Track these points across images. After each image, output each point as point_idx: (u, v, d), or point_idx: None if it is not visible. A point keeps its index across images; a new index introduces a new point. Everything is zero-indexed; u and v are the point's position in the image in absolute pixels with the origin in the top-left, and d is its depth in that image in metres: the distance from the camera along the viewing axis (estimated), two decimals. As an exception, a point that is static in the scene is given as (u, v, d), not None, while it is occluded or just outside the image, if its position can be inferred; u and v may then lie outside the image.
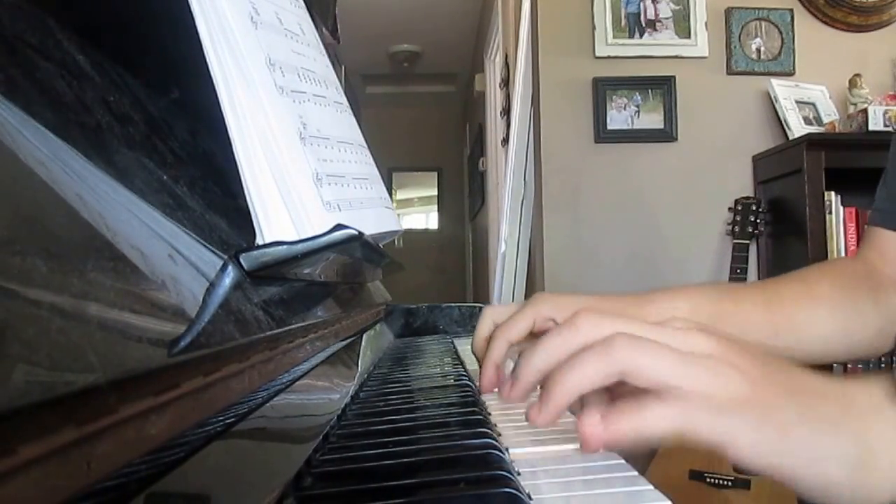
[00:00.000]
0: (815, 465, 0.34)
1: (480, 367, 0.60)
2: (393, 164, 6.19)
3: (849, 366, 1.71)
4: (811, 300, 0.66)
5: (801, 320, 0.65)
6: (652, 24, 2.10)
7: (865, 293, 0.68)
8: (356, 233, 0.38)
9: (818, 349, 0.66)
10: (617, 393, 0.38)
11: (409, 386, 0.61)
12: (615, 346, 0.35)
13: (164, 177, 0.34)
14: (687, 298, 0.62)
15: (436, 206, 6.83)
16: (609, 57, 2.09)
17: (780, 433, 0.34)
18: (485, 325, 0.61)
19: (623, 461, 0.40)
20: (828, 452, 0.35)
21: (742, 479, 1.69)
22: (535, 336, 0.56)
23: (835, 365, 1.64)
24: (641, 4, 2.10)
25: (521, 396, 0.40)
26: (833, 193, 1.82)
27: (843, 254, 1.83)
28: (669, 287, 0.65)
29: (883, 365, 1.68)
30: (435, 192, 6.82)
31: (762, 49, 2.11)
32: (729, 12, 2.11)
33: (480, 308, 1.11)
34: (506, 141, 3.05)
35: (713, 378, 0.35)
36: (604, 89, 2.08)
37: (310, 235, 0.38)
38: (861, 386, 0.38)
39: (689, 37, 2.10)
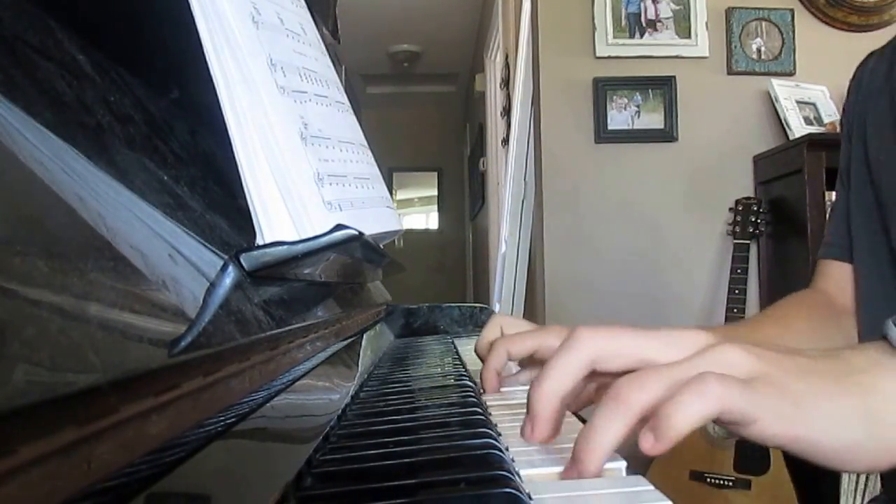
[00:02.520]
0: (832, 429, 0.36)
1: (479, 354, 0.61)
2: (393, 164, 6.19)
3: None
4: (791, 342, 0.69)
5: None
6: (652, 24, 2.10)
7: (833, 322, 0.73)
8: (356, 233, 0.38)
9: None
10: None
11: (409, 386, 0.61)
12: (633, 385, 0.36)
13: (165, 177, 0.34)
14: None
15: (436, 207, 6.82)
16: (609, 57, 2.09)
17: (796, 404, 0.35)
18: (492, 331, 0.62)
19: (624, 461, 0.40)
20: (841, 414, 0.36)
21: (742, 479, 1.69)
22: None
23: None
24: (642, 4, 2.10)
25: (546, 432, 0.40)
26: (834, 194, 1.82)
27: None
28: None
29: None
30: (435, 192, 6.81)
31: (763, 49, 2.11)
32: (729, 12, 2.10)
33: (481, 308, 1.11)
34: (506, 141, 3.05)
35: (726, 363, 0.36)
36: (604, 89, 2.08)
37: (310, 235, 0.38)
38: (855, 350, 0.40)
39: (689, 37, 2.10)
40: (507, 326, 0.62)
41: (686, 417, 0.34)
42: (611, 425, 0.35)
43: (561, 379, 0.39)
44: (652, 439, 0.34)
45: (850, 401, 0.36)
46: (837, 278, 0.78)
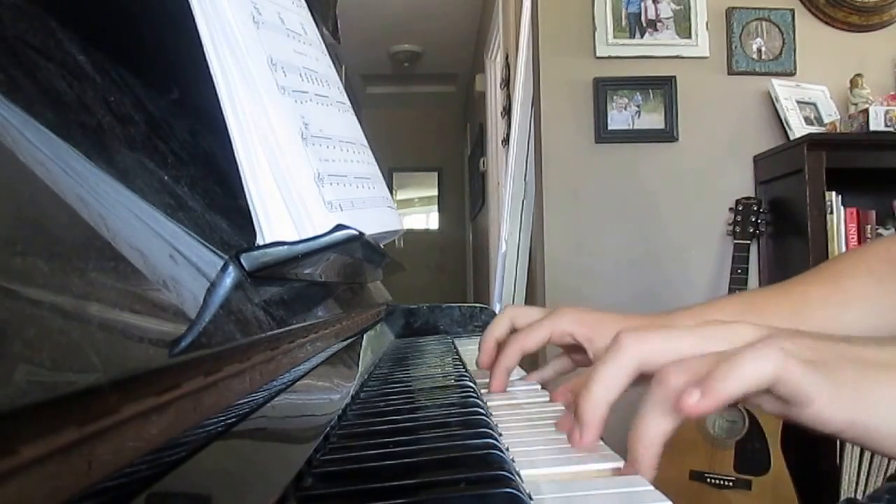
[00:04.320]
0: (890, 416, 0.35)
1: (480, 354, 0.60)
2: (393, 164, 6.19)
3: None
4: (842, 302, 0.65)
5: (831, 326, 0.64)
6: (653, 24, 2.10)
7: None
8: (357, 233, 0.38)
9: None
10: None
11: (409, 386, 0.61)
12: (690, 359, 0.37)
13: (165, 177, 0.34)
14: (712, 314, 0.62)
15: (436, 207, 6.82)
16: (610, 57, 2.09)
17: (855, 389, 0.35)
18: (502, 326, 0.61)
19: (624, 461, 0.40)
20: None
21: (743, 479, 1.68)
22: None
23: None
24: (642, 4, 2.10)
25: (595, 438, 0.40)
26: (834, 194, 1.82)
27: (843, 254, 1.83)
28: (691, 305, 0.66)
29: None
30: (435, 192, 6.81)
31: (763, 49, 2.11)
32: (730, 12, 2.10)
33: (481, 308, 1.11)
34: (506, 141, 3.05)
35: (782, 349, 0.36)
36: (604, 89, 2.08)
37: (310, 235, 0.38)
38: None
39: (689, 37, 2.10)
40: (518, 319, 0.61)
41: (739, 377, 0.34)
42: (660, 418, 0.36)
43: (609, 387, 0.39)
44: (697, 395, 0.34)
45: None
46: None
